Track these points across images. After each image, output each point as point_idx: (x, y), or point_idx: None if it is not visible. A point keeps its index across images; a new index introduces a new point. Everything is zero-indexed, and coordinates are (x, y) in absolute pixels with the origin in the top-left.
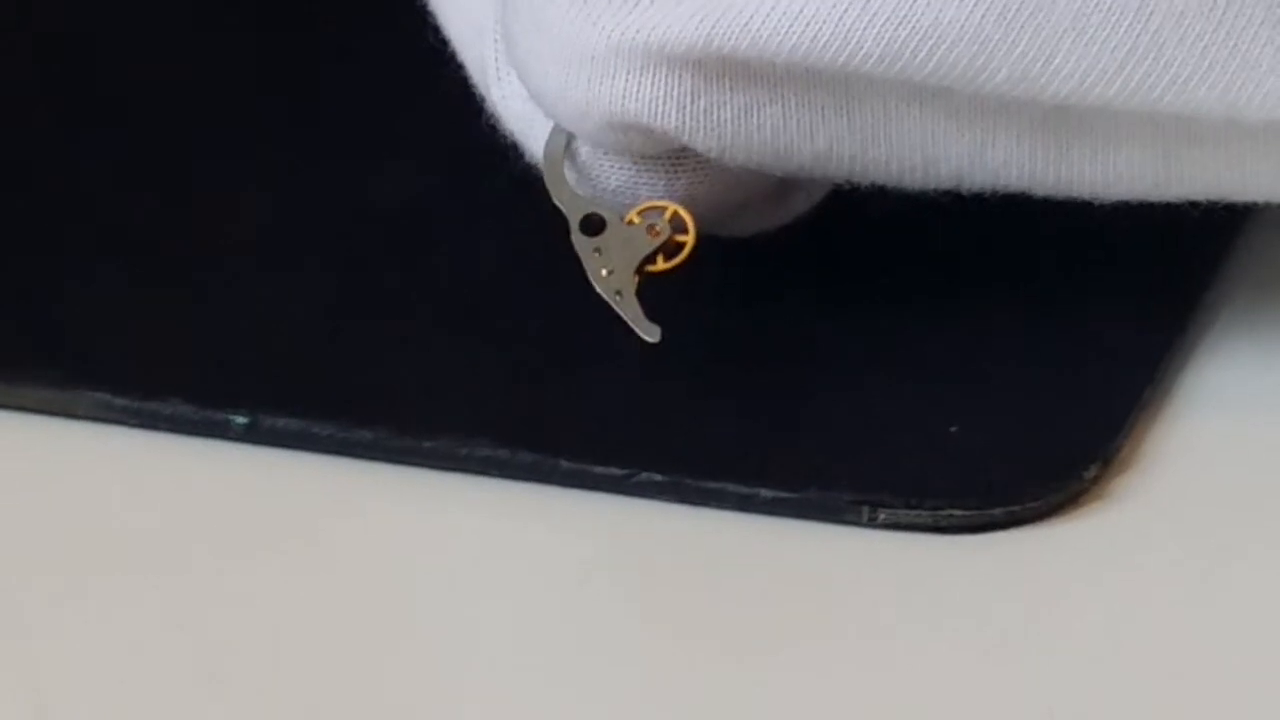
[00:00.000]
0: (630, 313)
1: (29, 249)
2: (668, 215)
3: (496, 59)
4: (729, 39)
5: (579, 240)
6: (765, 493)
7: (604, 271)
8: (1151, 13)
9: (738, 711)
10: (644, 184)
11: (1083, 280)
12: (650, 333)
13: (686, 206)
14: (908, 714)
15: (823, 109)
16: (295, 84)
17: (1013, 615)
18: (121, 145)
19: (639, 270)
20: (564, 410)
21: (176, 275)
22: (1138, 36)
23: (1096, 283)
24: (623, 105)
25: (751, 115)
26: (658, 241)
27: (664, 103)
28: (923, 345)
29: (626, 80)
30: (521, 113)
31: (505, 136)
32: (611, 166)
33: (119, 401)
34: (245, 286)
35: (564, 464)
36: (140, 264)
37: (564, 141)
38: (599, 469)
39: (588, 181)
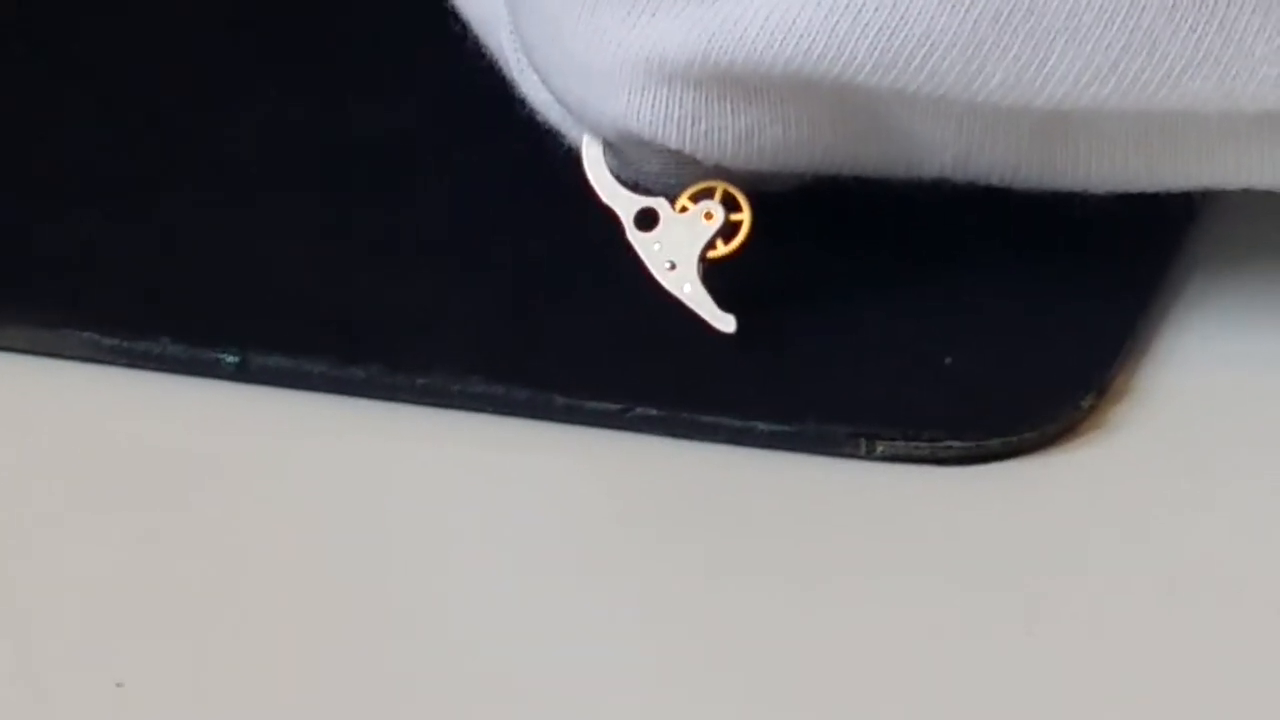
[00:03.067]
0: (703, 306)
1: (14, 191)
2: (718, 196)
3: (516, 55)
4: (725, 52)
5: (636, 237)
6: (762, 426)
7: (667, 265)
8: (1144, 8)
9: (737, 644)
10: (685, 165)
11: (1076, 213)
12: (725, 323)
13: (732, 180)
14: (907, 645)
15: (821, 127)
16: (276, 20)
17: (1012, 545)
18: (105, 86)
19: (702, 258)
20: (558, 345)
21: (164, 215)
22: (1131, 32)
23: (1090, 215)
24: (625, 123)
25: (753, 137)
26: (715, 226)
27: (665, 125)
28: (918, 278)
29: (629, 99)
30: (551, 102)
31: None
32: (650, 152)
33: (108, 341)
34: (234, 225)
35: (558, 399)
36: (128, 204)
37: (601, 139)
38: (594, 404)
39: (629, 167)
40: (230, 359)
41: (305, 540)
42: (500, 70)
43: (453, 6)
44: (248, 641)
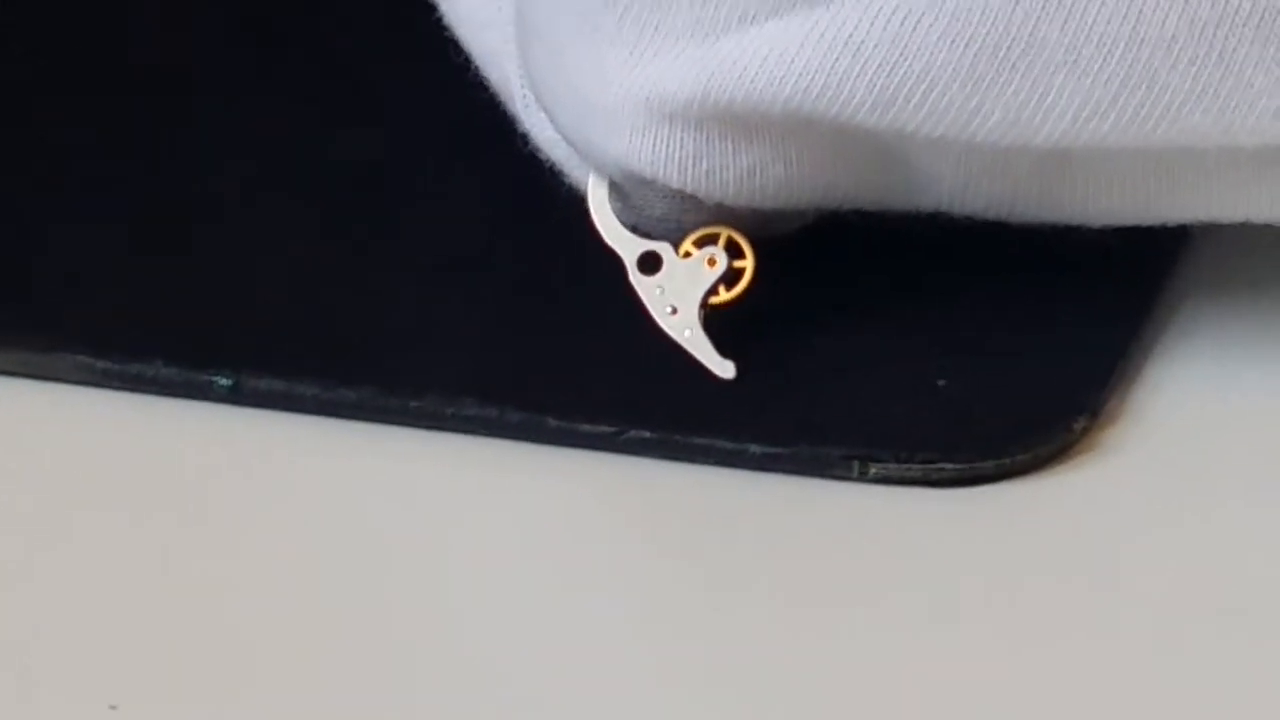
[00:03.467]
0: (702, 351)
1: (5, 213)
2: (722, 242)
3: (523, 90)
4: (725, 90)
5: (639, 280)
6: (755, 448)
7: (669, 310)
8: (1143, 41)
9: (732, 666)
10: (689, 208)
11: (1068, 238)
12: (725, 369)
13: (735, 226)
14: (901, 668)
15: (822, 165)
16: (267, 44)
17: (1005, 567)
18: (98, 110)
19: (703, 304)
20: (551, 368)
21: (155, 237)
22: (1130, 66)
23: (1083, 240)
24: (628, 162)
25: (755, 176)
26: (718, 272)
27: (667, 164)
28: (911, 300)
29: (630, 138)
30: (556, 139)
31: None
32: (654, 195)
33: (100, 364)
34: (225, 247)
35: (552, 422)
36: (119, 226)
37: (607, 180)
38: (587, 427)
39: (632, 210)
40: (223, 381)
41: (299, 563)
42: (497, 98)
43: (455, 38)
44: (241, 664)
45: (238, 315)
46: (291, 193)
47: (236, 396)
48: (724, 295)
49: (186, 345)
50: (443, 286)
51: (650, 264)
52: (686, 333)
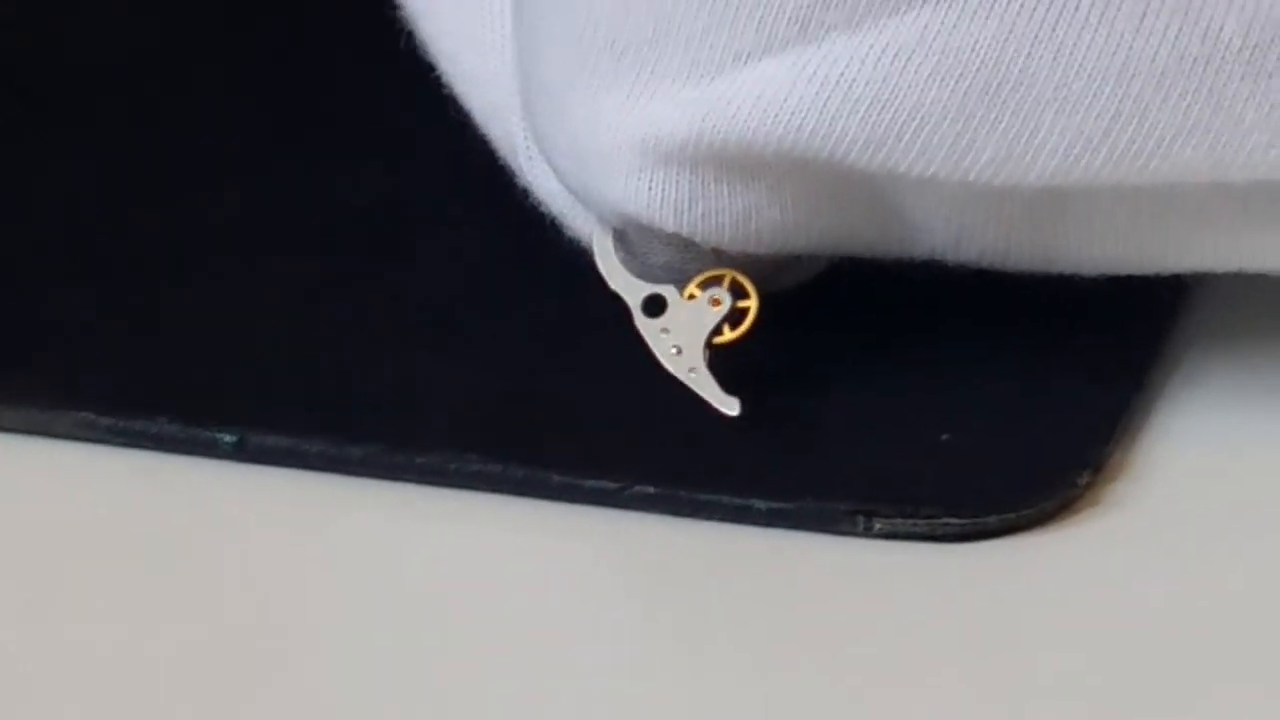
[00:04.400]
0: (707, 389)
1: (8, 269)
2: (726, 283)
3: (526, 141)
4: (719, 131)
5: (643, 323)
6: (759, 504)
7: (673, 350)
8: (1133, 76)
9: None
10: (691, 259)
11: (1069, 291)
12: (729, 406)
13: (741, 270)
14: None
15: (818, 209)
16: (270, 90)
17: (1009, 623)
18: (98, 159)
19: (708, 344)
20: (555, 424)
21: (159, 293)
22: (1120, 101)
23: (1083, 294)
24: (624, 206)
25: (750, 219)
26: (722, 312)
27: (662, 207)
28: (914, 356)
29: (626, 181)
30: (558, 191)
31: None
32: (657, 243)
33: (105, 421)
34: (229, 303)
35: (555, 478)
36: (122, 282)
37: (611, 229)
38: (591, 482)
39: (636, 260)
40: (228, 438)
41: (303, 619)
42: (497, 151)
43: (453, 95)
44: (241, 717)
45: (242, 372)
46: (295, 249)
47: (241, 453)
48: (728, 335)
49: (191, 402)
50: (447, 342)
51: (655, 307)
52: (691, 373)
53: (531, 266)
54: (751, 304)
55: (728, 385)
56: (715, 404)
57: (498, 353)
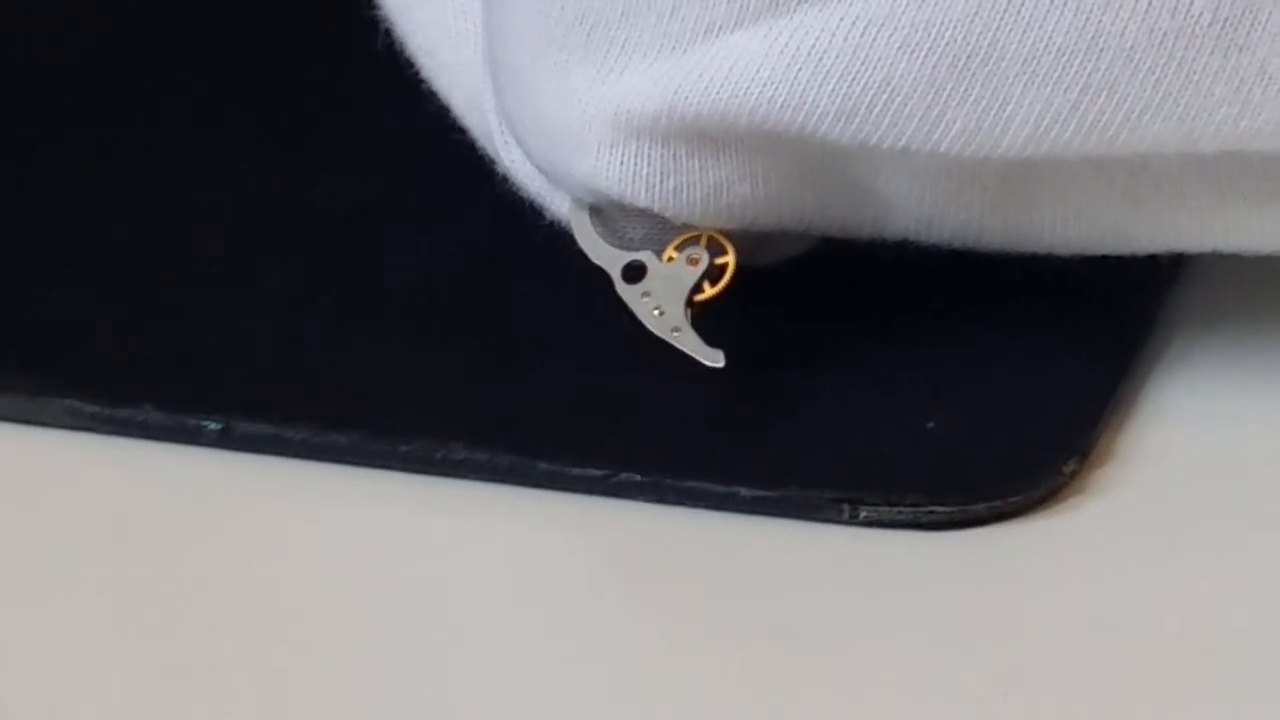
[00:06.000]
0: (691, 345)
1: None
2: (704, 241)
3: (500, 126)
4: (690, 103)
5: (624, 290)
6: (745, 491)
7: (656, 312)
8: (1102, 50)
9: (721, 710)
10: (668, 230)
11: (1054, 279)
12: (714, 359)
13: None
14: (891, 711)
15: (789, 184)
16: (254, 91)
17: (995, 610)
18: (85, 155)
19: (689, 303)
20: (541, 411)
21: (144, 283)
22: (1090, 74)
23: (1069, 280)
24: (595, 182)
25: (721, 194)
26: (700, 269)
27: (634, 182)
28: (899, 344)
29: (598, 156)
30: (534, 174)
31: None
32: (632, 218)
33: (89, 408)
34: (215, 292)
35: (542, 465)
36: (107, 271)
37: (587, 204)
38: (577, 470)
39: (614, 235)
40: (213, 426)
41: (288, 607)
42: (477, 144)
43: (433, 88)
44: (229, 707)
45: (227, 360)
46: (281, 237)
47: (226, 441)
48: (709, 291)
49: (176, 390)
50: (431, 331)
51: (635, 273)
52: (675, 332)
53: (517, 258)
54: (730, 259)
55: (711, 375)
56: (701, 359)
57: (483, 342)
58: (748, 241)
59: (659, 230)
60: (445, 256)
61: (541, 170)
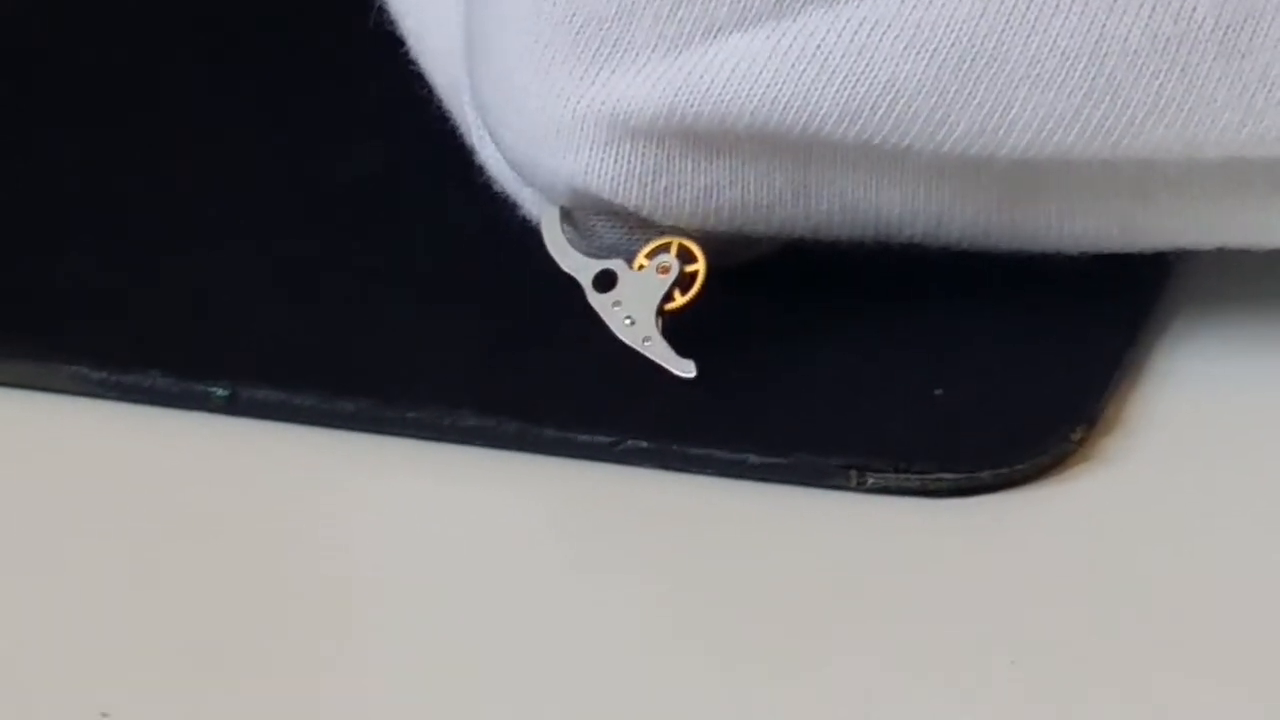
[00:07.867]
0: (662, 354)
1: (5, 227)
2: (674, 250)
3: (477, 122)
4: (691, 106)
5: (595, 299)
6: (753, 458)
7: (626, 321)
8: (1106, 55)
9: (729, 677)
10: (638, 239)
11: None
12: (685, 369)
13: (689, 237)
14: (899, 676)
15: (780, 193)
16: (263, 63)
17: (1002, 577)
18: (95, 126)
19: (660, 311)
20: (548, 378)
21: (153, 250)
22: (1093, 79)
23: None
24: (584, 181)
25: (711, 197)
26: (670, 279)
27: (625, 180)
28: (907, 311)
29: (589, 155)
30: (509, 172)
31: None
32: (605, 225)
33: (97, 375)
34: (223, 259)
35: (549, 432)
36: (116, 239)
37: (558, 208)
38: (584, 437)
39: (584, 240)
40: (220, 392)
41: (296, 572)
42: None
43: (421, 72)
44: (233, 672)
45: (235, 326)
46: (289, 206)
47: (233, 407)
48: (679, 300)
49: (183, 356)
50: (440, 298)
51: (606, 281)
52: (646, 342)
53: (525, 229)
54: (699, 267)
55: (720, 342)
56: (672, 369)
57: (491, 310)
58: (718, 242)
59: (629, 237)
60: (454, 227)
61: (515, 167)
